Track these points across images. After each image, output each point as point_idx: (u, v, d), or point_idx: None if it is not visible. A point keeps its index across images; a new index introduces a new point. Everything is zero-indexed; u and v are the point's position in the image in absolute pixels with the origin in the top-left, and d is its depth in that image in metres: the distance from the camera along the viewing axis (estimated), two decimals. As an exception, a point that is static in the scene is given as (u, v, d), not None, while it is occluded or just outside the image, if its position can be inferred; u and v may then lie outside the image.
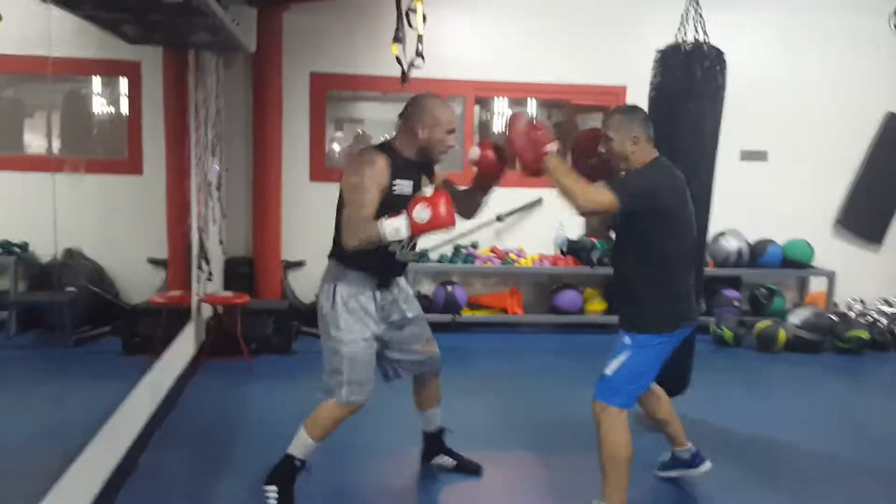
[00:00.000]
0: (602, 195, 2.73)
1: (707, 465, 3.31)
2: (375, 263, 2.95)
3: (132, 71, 4.25)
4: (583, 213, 2.82)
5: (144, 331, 4.08)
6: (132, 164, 4.36)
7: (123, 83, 4.41)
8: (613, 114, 2.97)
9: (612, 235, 3.14)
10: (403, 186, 2.90)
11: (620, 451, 2.84)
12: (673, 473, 3.39)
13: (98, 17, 3.20)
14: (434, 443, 3.47)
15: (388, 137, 3.04)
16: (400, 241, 2.85)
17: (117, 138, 4.50)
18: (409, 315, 3.14)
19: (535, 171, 2.90)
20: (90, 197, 3.61)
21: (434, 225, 2.75)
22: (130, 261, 4.18)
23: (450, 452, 3.47)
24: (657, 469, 3.44)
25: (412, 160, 2.95)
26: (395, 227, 2.74)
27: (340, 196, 2.89)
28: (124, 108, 4.49)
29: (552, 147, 2.82)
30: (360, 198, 2.79)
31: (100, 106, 4.54)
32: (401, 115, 2.98)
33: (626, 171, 2.95)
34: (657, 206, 2.78)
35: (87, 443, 2.76)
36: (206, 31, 3.77)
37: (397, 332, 3.12)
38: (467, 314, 6.04)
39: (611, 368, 2.88)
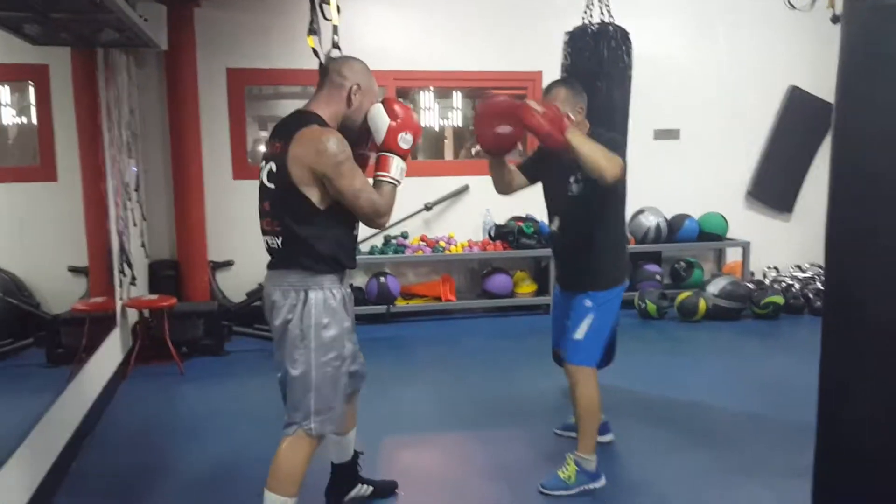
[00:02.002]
0: (617, 160, 2.78)
1: (610, 437, 3.52)
2: (346, 249, 2.48)
3: (40, 74, 4.11)
4: (612, 181, 2.77)
5: (68, 340, 3.96)
6: (45, 170, 4.21)
7: (31, 87, 4.26)
8: (559, 87, 3.02)
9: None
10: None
11: (594, 404, 3.04)
12: (573, 435, 3.44)
13: (-2, 17, 3.09)
14: (348, 473, 2.97)
15: (306, 108, 2.46)
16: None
17: (28, 145, 4.34)
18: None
19: (558, 144, 2.76)
20: (2, 207, 3.49)
21: (416, 138, 2.49)
22: (50, 270, 4.04)
23: (365, 480, 3.02)
24: (557, 427, 3.65)
25: None
26: (398, 170, 2.44)
27: (290, 188, 2.33)
28: (34, 114, 4.34)
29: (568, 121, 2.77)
30: (361, 180, 2.36)
31: (7, 113, 4.37)
32: (326, 76, 2.46)
33: None
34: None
35: (11, 454, 2.69)
36: (113, 29, 3.68)
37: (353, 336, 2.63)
38: (401, 304, 6.08)
39: (580, 332, 3.03)
